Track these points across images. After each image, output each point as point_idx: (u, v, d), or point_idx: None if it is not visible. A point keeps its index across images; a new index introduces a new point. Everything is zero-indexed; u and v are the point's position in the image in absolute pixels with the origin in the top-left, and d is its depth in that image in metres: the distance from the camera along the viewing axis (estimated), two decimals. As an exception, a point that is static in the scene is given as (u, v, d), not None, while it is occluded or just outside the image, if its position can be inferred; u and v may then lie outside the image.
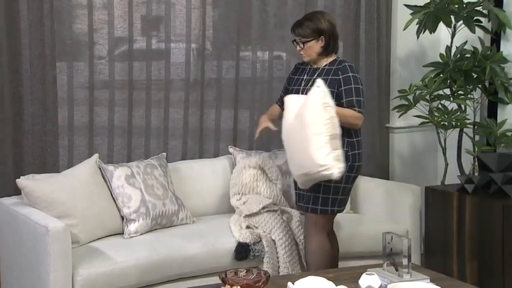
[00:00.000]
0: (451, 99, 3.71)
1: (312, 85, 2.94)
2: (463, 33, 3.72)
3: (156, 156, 3.51)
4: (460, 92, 3.71)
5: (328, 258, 3.07)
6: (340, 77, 2.97)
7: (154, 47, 3.63)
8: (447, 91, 3.77)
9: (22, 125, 3.28)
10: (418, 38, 3.75)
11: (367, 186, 3.79)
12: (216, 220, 3.43)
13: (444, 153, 3.78)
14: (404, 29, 3.75)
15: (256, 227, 3.28)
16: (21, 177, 3.07)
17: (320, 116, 2.81)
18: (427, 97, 3.68)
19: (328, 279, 2.36)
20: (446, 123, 3.65)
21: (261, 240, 3.18)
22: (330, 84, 2.94)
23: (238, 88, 3.83)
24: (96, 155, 3.30)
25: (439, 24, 3.70)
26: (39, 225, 2.77)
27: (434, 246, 3.64)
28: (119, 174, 3.23)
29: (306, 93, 2.95)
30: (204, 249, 3.10)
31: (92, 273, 2.78)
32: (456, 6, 3.63)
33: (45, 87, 3.31)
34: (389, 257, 2.59)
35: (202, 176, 3.58)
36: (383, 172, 4.18)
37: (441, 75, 3.70)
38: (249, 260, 3.15)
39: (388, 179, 4.16)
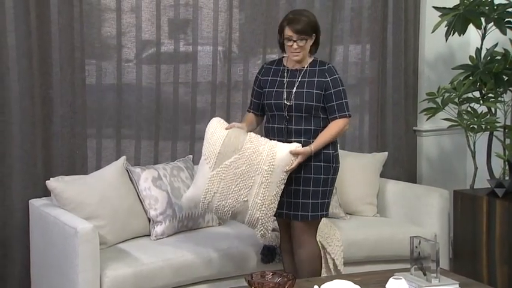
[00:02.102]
0: (481, 102, 3.66)
1: (298, 87, 2.89)
2: (494, 35, 3.66)
3: (183, 159, 3.52)
4: (490, 95, 3.65)
5: (321, 263, 3.02)
6: (328, 79, 2.88)
7: (182, 50, 3.65)
8: (477, 94, 3.72)
9: (52, 127, 3.33)
10: (446, 40, 3.70)
11: (394, 189, 3.75)
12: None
13: (473, 157, 3.73)
14: (432, 32, 3.71)
15: (282, 230, 3.27)
16: (50, 178, 3.12)
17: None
18: (456, 100, 3.64)
19: (355, 283, 2.35)
20: (475, 126, 3.60)
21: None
22: (317, 86, 2.88)
23: (265, 91, 3.82)
24: (123, 158, 3.32)
25: (469, 26, 3.66)
26: (68, 227, 2.81)
27: (463, 251, 3.59)
28: (145, 176, 3.26)
29: (290, 96, 2.88)
30: (229, 252, 3.10)
31: (120, 275, 2.81)
32: (487, 8, 3.58)
33: (74, 90, 3.35)
34: (417, 261, 2.56)
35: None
36: (410, 175, 4.13)
37: (470, 77, 3.65)
38: (275, 262, 3.15)
39: (415, 182, 4.11)
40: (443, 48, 4.10)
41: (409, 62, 4.13)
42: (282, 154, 2.79)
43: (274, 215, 3.00)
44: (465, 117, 3.62)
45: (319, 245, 3.22)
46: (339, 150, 3.01)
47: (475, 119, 3.58)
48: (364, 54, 4.08)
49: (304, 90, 2.90)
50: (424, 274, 2.52)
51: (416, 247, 2.56)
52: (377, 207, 3.73)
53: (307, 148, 2.84)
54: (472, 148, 3.72)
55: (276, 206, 2.84)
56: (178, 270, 2.95)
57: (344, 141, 4.05)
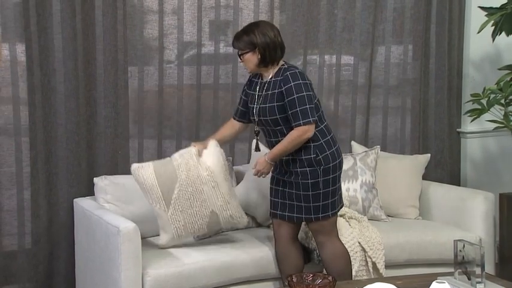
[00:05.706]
0: (528, 103, 3.56)
1: (262, 102, 2.90)
2: (542, 34, 3.56)
3: (223, 160, 3.54)
4: (537, 96, 3.56)
5: (348, 261, 3.00)
6: (283, 88, 2.85)
7: (222, 51, 3.68)
8: (524, 95, 3.62)
9: (95, 128, 3.39)
10: (493, 40, 3.62)
11: (437, 192, 3.69)
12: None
13: (520, 159, 3.64)
14: (478, 32, 3.63)
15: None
16: (94, 178, 3.18)
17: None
18: (502, 101, 3.55)
19: (397, 286, 2.31)
20: (522, 128, 3.51)
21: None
22: (277, 98, 2.87)
23: (305, 92, 3.81)
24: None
25: (516, 26, 3.57)
26: (111, 226, 2.85)
27: (509, 255, 3.50)
28: (187, 176, 3.28)
29: (260, 112, 2.90)
30: (270, 253, 3.09)
31: (161, 274, 2.83)
32: (535, 6, 3.48)
33: (117, 91, 3.41)
34: (460, 265, 2.51)
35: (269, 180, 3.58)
36: (453, 178, 4.06)
37: (517, 78, 3.57)
38: (315, 264, 3.13)
39: (459, 185, 4.04)
40: (489, 49, 4.01)
41: (453, 63, 4.05)
42: (209, 156, 2.93)
43: (274, 217, 3.03)
44: None
45: (360, 247, 3.20)
46: (328, 150, 2.89)
47: (522, 121, 3.49)
48: (406, 55, 4.03)
49: (267, 105, 2.90)
50: (469, 279, 2.47)
51: (460, 251, 2.51)
52: (419, 210, 3.67)
53: (261, 157, 2.90)
54: (519, 150, 3.63)
55: (237, 197, 2.97)
56: (218, 270, 2.96)
57: (385, 143, 4.01)
